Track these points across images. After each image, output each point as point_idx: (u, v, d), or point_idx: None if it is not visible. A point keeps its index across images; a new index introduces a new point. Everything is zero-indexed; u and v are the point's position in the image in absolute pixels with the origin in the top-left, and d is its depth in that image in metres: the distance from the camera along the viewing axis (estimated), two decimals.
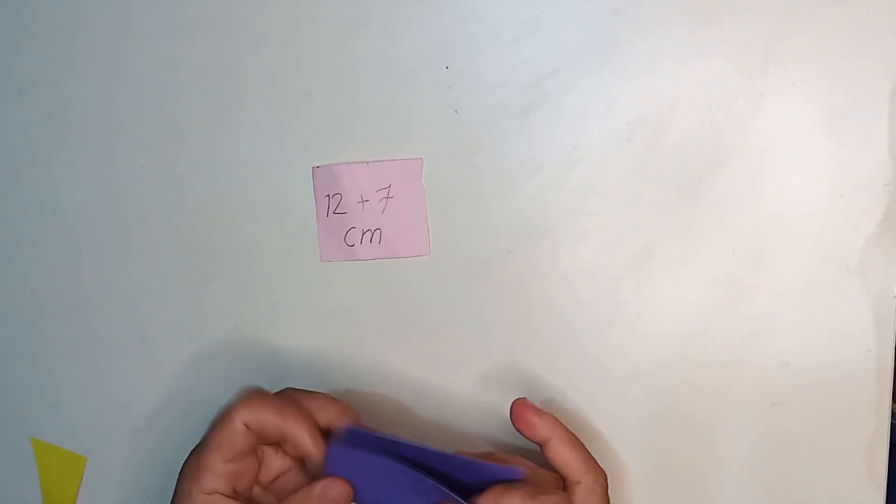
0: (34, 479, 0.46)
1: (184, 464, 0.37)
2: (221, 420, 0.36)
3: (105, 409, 0.44)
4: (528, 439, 0.37)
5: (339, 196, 0.41)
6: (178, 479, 0.36)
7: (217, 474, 0.35)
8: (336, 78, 0.41)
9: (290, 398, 0.37)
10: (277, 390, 0.38)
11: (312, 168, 0.41)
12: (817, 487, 0.40)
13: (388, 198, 0.41)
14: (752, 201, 0.39)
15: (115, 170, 0.43)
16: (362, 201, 0.41)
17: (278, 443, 0.37)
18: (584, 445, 0.37)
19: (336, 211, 0.42)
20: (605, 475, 0.37)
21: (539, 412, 0.37)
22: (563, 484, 0.37)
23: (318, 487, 0.36)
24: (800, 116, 0.38)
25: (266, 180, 0.42)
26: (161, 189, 0.43)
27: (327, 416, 0.37)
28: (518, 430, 0.37)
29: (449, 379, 0.42)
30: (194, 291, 0.43)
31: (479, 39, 0.40)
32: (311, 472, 0.37)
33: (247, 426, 0.35)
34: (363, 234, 0.42)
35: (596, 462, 0.37)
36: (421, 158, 0.41)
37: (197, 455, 0.36)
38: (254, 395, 0.36)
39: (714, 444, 0.41)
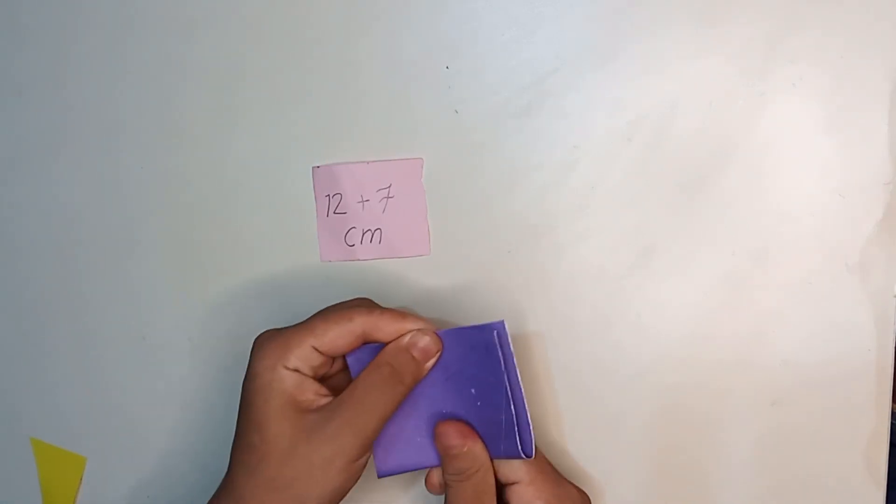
0: (34, 479, 0.45)
1: (263, 338, 0.36)
2: (338, 317, 0.35)
3: (105, 409, 0.44)
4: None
5: (339, 196, 0.41)
6: (254, 355, 0.35)
7: (303, 358, 0.35)
8: (336, 78, 0.41)
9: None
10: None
11: (312, 168, 0.41)
12: (817, 486, 0.40)
13: (388, 198, 0.41)
14: (752, 201, 0.39)
15: (115, 169, 0.43)
16: (362, 201, 0.41)
17: None
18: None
19: (336, 211, 0.42)
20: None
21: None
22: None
23: (406, 338, 0.35)
24: (800, 116, 0.39)
25: (266, 180, 0.42)
26: (161, 188, 0.43)
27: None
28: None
29: None
30: (194, 291, 0.43)
31: (479, 39, 0.40)
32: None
33: (364, 331, 0.35)
34: (363, 234, 0.42)
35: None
36: (421, 158, 0.41)
37: (287, 335, 0.35)
38: (371, 304, 0.37)
39: (715, 443, 0.41)
